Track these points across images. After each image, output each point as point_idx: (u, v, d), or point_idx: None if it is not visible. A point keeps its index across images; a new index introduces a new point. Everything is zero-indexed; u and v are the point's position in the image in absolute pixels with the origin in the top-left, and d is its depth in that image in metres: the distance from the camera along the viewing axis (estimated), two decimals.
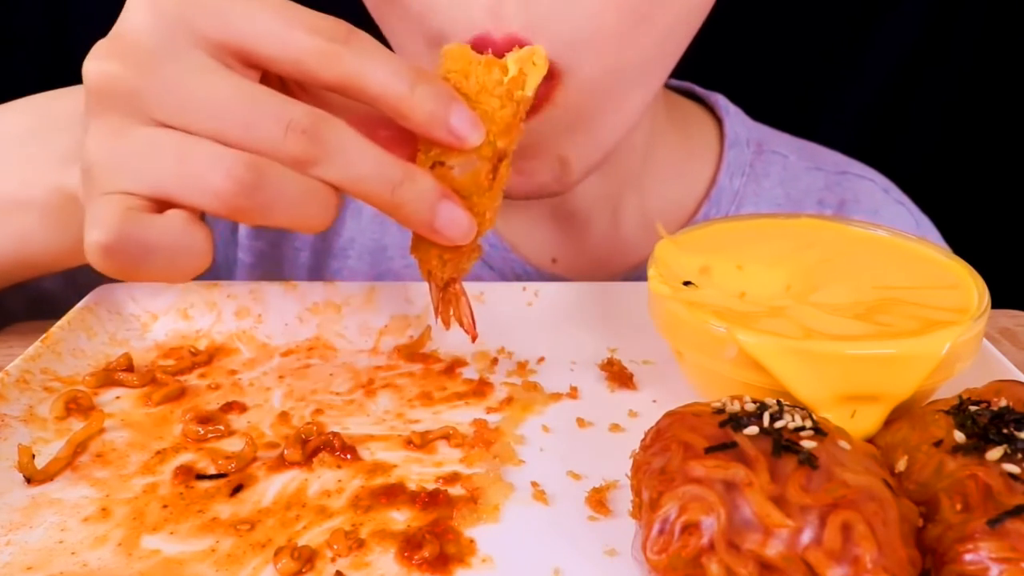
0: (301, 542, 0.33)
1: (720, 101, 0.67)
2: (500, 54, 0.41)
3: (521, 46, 0.41)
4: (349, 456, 0.39)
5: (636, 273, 0.61)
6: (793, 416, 0.30)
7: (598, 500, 0.35)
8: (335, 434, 0.39)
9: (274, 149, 0.34)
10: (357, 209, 0.65)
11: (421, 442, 0.39)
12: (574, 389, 0.44)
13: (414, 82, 0.35)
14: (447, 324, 0.43)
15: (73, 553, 0.33)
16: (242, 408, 0.43)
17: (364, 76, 0.35)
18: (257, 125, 0.33)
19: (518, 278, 0.62)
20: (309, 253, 0.64)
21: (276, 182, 0.34)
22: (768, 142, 0.67)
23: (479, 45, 0.43)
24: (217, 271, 0.63)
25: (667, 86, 0.66)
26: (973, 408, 0.32)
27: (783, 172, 0.66)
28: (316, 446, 0.39)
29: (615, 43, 0.45)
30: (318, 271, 0.65)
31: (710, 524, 0.27)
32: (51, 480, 0.37)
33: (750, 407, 0.31)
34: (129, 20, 0.35)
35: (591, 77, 0.45)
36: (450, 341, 0.48)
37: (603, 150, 0.50)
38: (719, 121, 0.66)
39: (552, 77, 0.44)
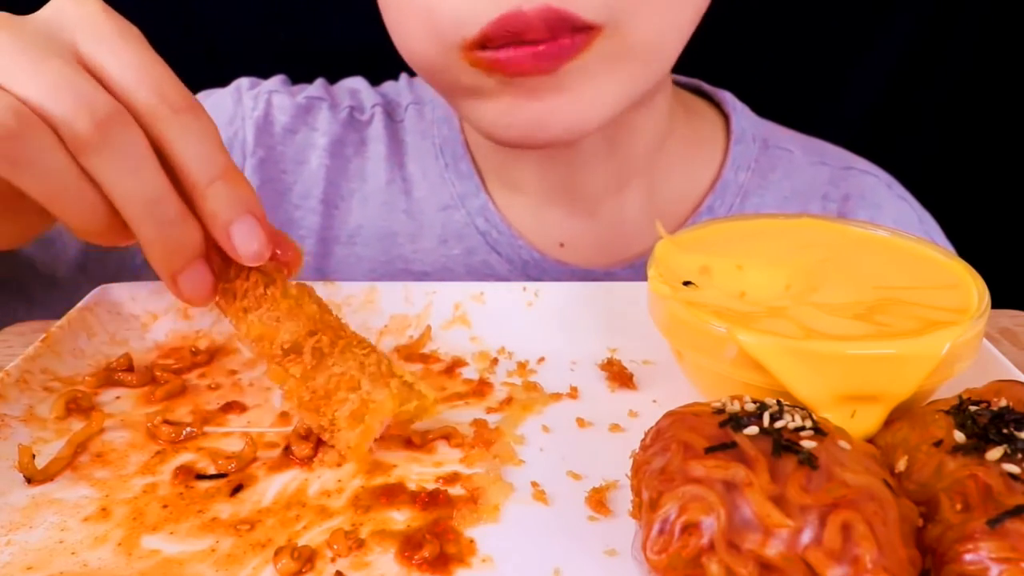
0: (301, 542, 0.33)
1: (727, 98, 0.67)
2: (538, 27, 0.43)
3: (555, 13, 0.43)
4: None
5: (641, 260, 0.61)
6: (793, 416, 0.30)
7: (598, 500, 0.35)
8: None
9: (62, 119, 0.34)
10: (364, 196, 0.65)
11: (421, 442, 0.39)
12: (574, 389, 0.44)
13: (216, 176, 0.36)
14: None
15: (73, 553, 0.33)
16: (242, 408, 0.43)
17: (175, 147, 0.36)
18: (59, 94, 0.34)
19: (525, 264, 0.62)
20: (315, 240, 0.65)
21: (37, 143, 0.34)
22: (774, 138, 0.67)
23: (510, 23, 0.43)
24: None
25: (675, 82, 0.66)
26: (973, 408, 0.32)
27: (788, 167, 0.66)
28: (318, 439, 0.39)
29: (647, 7, 0.46)
30: (324, 258, 0.65)
31: (710, 524, 0.27)
32: (51, 480, 0.37)
33: (750, 407, 0.31)
34: (45, 9, 0.37)
35: (637, 34, 0.46)
36: (450, 341, 0.48)
37: (625, 98, 0.51)
38: (726, 117, 0.66)
39: (591, 29, 0.45)
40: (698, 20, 0.51)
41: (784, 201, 0.65)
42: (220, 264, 0.39)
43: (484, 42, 0.45)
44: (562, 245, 0.63)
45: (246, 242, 0.37)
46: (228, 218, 0.36)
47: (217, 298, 0.40)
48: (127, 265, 0.61)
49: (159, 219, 0.36)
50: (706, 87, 0.69)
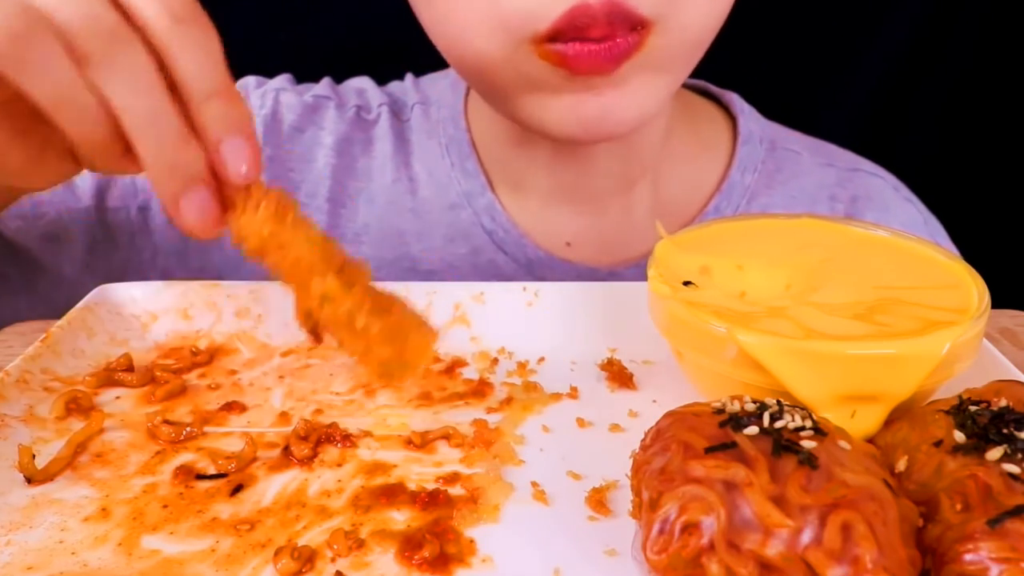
0: (301, 542, 0.33)
1: (735, 99, 0.68)
2: (601, 21, 0.44)
3: (617, 7, 0.44)
4: (348, 445, 0.39)
5: (646, 261, 0.62)
6: (793, 416, 0.30)
7: (598, 500, 0.35)
8: (333, 424, 0.40)
9: (68, 29, 0.33)
10: (370, 196, 0.65)
11: (421, 442, 0.39)
12: (574, 389, 0.44)
13: (212, 92, 0.35)
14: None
15: (73, 553, 0.33)
16: (242, 408, 0.43)
17: (175, 58, 0.35)
18: (68, 4, 0.33)
19: (530, 263, 0.62)
20: None
21: (43, 48, 0.33)
22: (781, 140, 0.68)
23: (578, 17, 0.45)
24: (230, 254, 0.64)
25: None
26: (973, 408, 0.32)
27: (795, 168, 0.67)
28: (318, 439, 0.39)
29: (692, 3, 0.48)
30: None
31: (710, 524, 0.27)
32: (51, 480, 0.37)
33: (750, 407, 0.31)
34: None
35: (680, 29, 0.48)
36: (450, 341, 0.48)
37: (670, 92, 0.53)
38: (733, 119, 0.67)
39: (644, 26, 0.46)
40: (725, 17, 0.52)
41: (791, 202, 0.65)
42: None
43: (555, 35, 0.46)
44: (568, 244, 0.63)
45: (235, 160, 0.36)
46: (220, 135, 0.36)
47: (267, 206, 0.37)
48: (133, 263, 0.61)
49: (159, 136, 0.35)
50: (713, 89, 0.69)
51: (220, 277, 0.62)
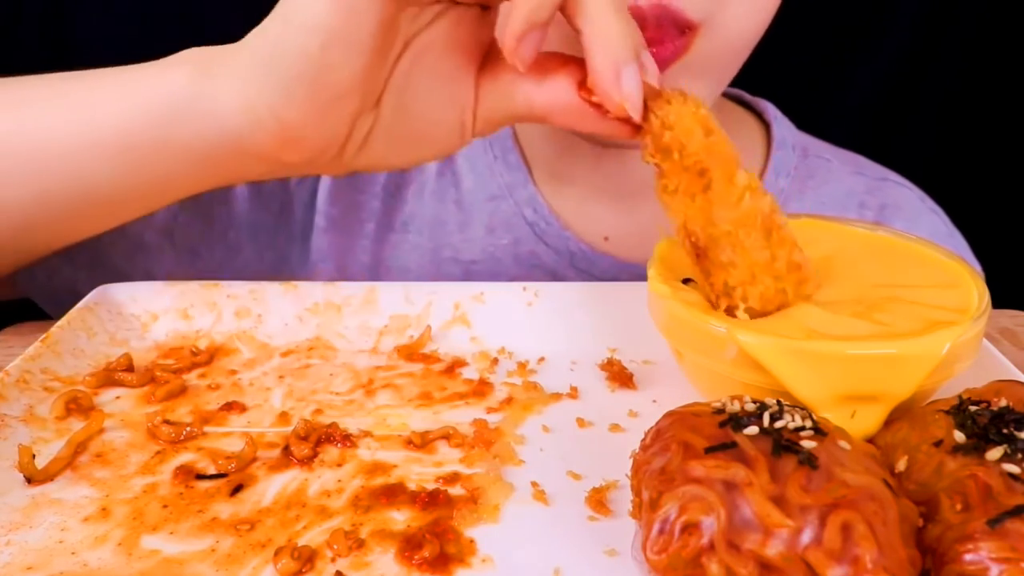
0: (301, 542, 0.33)
1: (769, 107, 0.69)
2: (650, 24, 0.45)
3: (665, 11, 0.45)
4: (348, 445, 0.39)
5: None
6: (793, 416, 0.30)
7: (598, 500, 0.35)
8: (333, 424, 0.40)
9: None
10: (419, 187, 0.67)
11: (421, 442, 0.39)
12: (574, 389, 0.44)
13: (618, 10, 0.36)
14: None
15: (73, 553, 0.33)
16: (242, 408, 0.43)
17: None
18: None
19: (572, 255, 0.63)
20: (374, 225, 0.66)
21: None
22: (812, 148, 0.70)
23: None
24: (295, 232, 0.66)
25: None
26: (973, 408, 0.32)
27: (827, 175, 0.68)
28: (318, 439, 0.39)
29: (739, 5, 0.49)
30: (380, 244, 0.67)
31: (710, 524, 0.27)
32: (51, 480, 0.37)
33: (750, 407, 0.31)
34: None
35: (725, 32, 0.49)
36: (450, 341, 0.49)
37: (710, 98, 0.54)
38: (766, 126, 0.68)
39: (692, 29, 0.47)
40: (767, 25, 0.53)
41: (821, 207, 0.66)
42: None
43: None
44: (606, 239, 0.64)
45: (653, 67, 0.38)
46: (618, 63, 0.36)
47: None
48: (204, 235, 0.62)
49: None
50: (746, 96, 0.70)
51: (286, 256, 0.64)
